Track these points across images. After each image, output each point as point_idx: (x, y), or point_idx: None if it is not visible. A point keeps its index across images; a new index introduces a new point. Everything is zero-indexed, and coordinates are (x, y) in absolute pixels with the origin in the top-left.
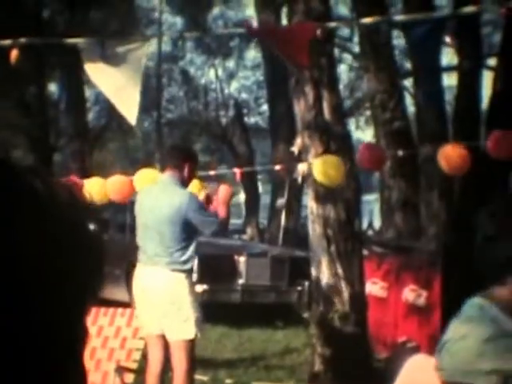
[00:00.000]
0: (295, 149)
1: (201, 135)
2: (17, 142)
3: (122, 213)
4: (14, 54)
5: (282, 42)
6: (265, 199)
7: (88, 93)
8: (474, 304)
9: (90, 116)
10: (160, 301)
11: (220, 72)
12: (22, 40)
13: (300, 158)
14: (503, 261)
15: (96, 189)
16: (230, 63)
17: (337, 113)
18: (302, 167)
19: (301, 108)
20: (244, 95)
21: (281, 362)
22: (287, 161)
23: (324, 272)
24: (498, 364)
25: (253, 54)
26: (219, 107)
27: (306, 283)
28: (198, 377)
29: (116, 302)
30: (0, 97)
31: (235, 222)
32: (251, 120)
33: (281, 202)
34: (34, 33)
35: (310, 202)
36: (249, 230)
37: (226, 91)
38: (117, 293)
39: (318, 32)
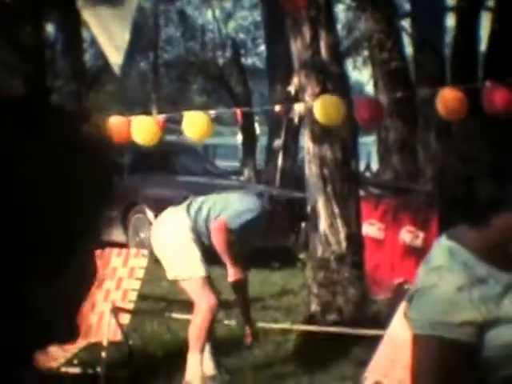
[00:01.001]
0: (292, 88)
1: (197, 76)
2: (12, 83)
3: (119, 153)
4: None
5: None
6: (262, 141)
7: (85, 34)
8: (443, 248)
9: (87, 57)
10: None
11: (217, 12)
12: None
13: (297, 97)
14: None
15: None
16: (228, 3)
17: (334, 52)
18: (298, 107)
19: (297, 47)
20: (241, 35)
21: (277, 303)
22: (284, 101)
23: (320, 212)
24: (473, 314)
25: None
26: (216, 47)
27: (303, 224)
28: None
29: (112, 242)
30: None
31: (232, 164)
32: (248, 61)
33: (278, 143)
34: None
35: (306, 142)
36: (246, 172)
37: (224, 31)
38: (113, 233)
39: None
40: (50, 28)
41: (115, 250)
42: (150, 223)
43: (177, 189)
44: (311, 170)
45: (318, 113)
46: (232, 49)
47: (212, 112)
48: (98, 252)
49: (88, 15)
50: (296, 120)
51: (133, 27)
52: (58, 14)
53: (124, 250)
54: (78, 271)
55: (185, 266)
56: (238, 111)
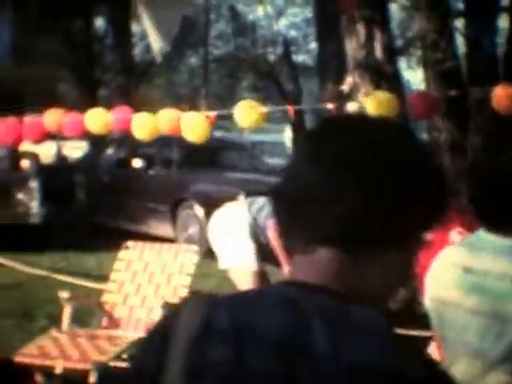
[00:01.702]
0: (345, 87)
1: (248, 72)
2: (62, 76)
3: (168, 148)
4: None
5: None
6: None
7: (134, 28)
8: None
9: (136, 51)
10: None
11: (269, 8)
12: None
13: (350, 96)
14: None
15: (145, 123)
16: (279, 0)
17: (388, 52)
18: (351, 106)
19: (352, 46)
20: (292, 32)
21: None
22: (335, 100)
23: None
24: None
25: None
26: (267, 44)
27: None
28: None
29: (160, 237)
30: (46, 31)
31: (279, 161)
32: (299, 58)
33: None
34: None
35: None
36: None
37: (275, 28)
38: (161, 228)
39: None
40: (99, 22)
41: (165, 246)
42: (199, 219)
43: (225, 185)
44: None
45: (371, 109)
46: (283, 46)
47: (264, 109)
48: (146, 244)
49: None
50: None
51: (184, 21)
52: (107, 9)
53: (174, 246)
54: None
55: (239, 257)
56: (291, 108)
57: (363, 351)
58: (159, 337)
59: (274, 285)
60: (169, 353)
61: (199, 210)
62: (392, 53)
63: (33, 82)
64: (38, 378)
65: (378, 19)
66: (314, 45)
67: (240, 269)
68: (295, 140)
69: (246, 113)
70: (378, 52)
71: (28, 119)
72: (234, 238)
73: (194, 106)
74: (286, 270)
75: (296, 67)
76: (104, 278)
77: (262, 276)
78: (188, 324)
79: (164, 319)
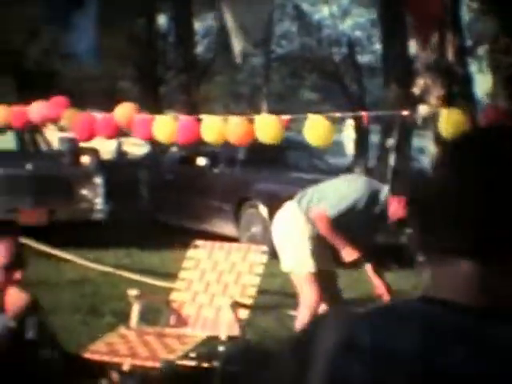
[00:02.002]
0: (416, 90)
1: (312, 72)
2: (125, 73)
3: (232, 146)
4: None
5: None
6: (373, 139)
7: (197, 26)
8: None
9: (199, 49)
10: None
11: (334, 8)
12: None
13: (421, 99)
14: None
15: (213, 129)
16: (345, 0)
17: (459, 55)
18: (423, 109)
19: (423, 49)
20: (357, 33)
21: None
22: (401, 100)
23: None
24: None
25: None
26: (332, 44)
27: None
28: None
29: (223, 236)
30: (110, 28)
31: (340, 160)
32: (363, 58)
33: (390, 142)
34: None
35: (430, 144)
36: (357, 169)
37: (340, 28)
38: (224, 227)
39: None
40: (162, 19)
41: (235, 245)
42: (263, 219)
43: (289, 185)
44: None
45: (442, 126)
46: (348, 46)
47: (337, 115)
48: (215, 244)
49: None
50: (420, 121)
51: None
52: (170, 6)
53: (244, 246)
54: None
55: (295, 259)
56: (365, 115)
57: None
58: (298, 350)
59: (412, 301)
60: (308, 367)
61: (263, 210)
62: (464, 56)
63: (94, 79)
64: (114, 375)
65: (449, 22)
66: (378, 45)
67: (297, 270)
68: (356, 140)
69: (317, 131)
70: (450, 55)
71: (100, 115)
72: (290, 240)
73: (254, 105)
74: (344, 253)
75: (360, 67)
76: (168, 276)
77: (324, 276)
78: (328, 340)
79: (303, 333)
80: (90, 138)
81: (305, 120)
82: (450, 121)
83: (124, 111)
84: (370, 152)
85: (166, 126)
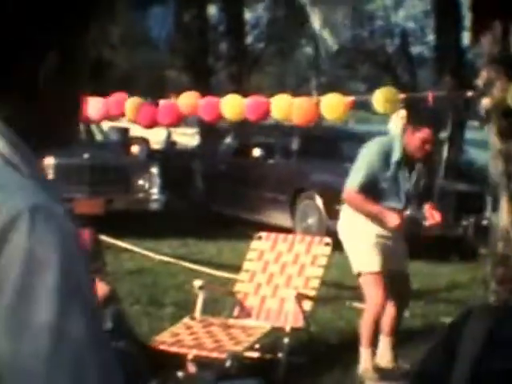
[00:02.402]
0: (480, 82)
1: (364, 63)
2: (174, 63)
3: (288, 137)
4: None
5: None
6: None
7: (247, 16)
8: None
9: (249, 39)
10: None
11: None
12: None
13: (484, 92)
14: None
15: (282, 108)
16: None
17: None
18: (486, 101)
19: (487, 42)
20: (410, 24)
21: (448, 296)
22: (453, 92)
23: (503, 208)
24: None
25: None
26: (385, 35)
27: (471, 219)
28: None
29: (278, 227)
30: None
31: None
32: (416, 49)
33: (443, 134)
34: None
35: (492, 138)
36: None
37: (393, 19)
38: (279, 218)
39: None
40: (213, 10)
41: (298, 237)
42: (319, 210)
43: (344, 176)
44: (496, 166)
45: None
46: (401, 37)
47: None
48: (279, 235)
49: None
50: (483, 113)
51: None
52: None
53: (307, 237)
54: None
55: (358, 260)
56: (431, 94)
57: None
58: (444, 344)
59: None
60: (454, 361)
61: (319, 201)
62: None
63: (143, 67)
64: (191, 367)
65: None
66: (431, 36)
67: (361, 270)
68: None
69: (386, 99)
70: None
71: (163, 102)
72: (352, 239)
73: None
74: (390, 218)
75: (413, 58)
76: (224, 267)
77: (393, 276)
78: (473, 335)
79: (449, 329)
80: (153, 125)
81: (367, 102)
82: None
83: (189, 98)
84: None
85: (235, 103)
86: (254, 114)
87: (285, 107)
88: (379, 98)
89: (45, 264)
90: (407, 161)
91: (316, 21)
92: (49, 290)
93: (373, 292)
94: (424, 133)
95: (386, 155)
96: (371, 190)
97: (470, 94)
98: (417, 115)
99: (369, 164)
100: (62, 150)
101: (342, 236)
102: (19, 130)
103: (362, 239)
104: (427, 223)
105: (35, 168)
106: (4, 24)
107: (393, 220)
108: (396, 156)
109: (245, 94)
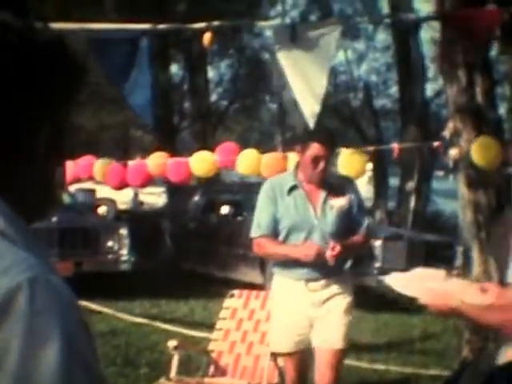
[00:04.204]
0: (446, 133)
1: (330, 117)
2: (141, 123)
3: (255, 194)
4: (208, 36)
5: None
6: (392, 182)
7: (211, 74)
8: None
9: (213, 97)
10: None
11: (350, 54)
12: (216, 23)
13: (451, 142)
14: None
15: (248, 162)
16: (360, 45)
17: (489, 98)
18: (453, 152)
19: (453, 92)
20: (373, 77)
21: (421, 347)
22: (418, 143)
23: (474, 258)
24: None
25: (382, 36)
26: (349, 89)
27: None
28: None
29: (250, 284)
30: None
31: None
32: (379, 102)
33: (410, 185)
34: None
35: (461, 188)
36: (377, 213)
37: (356, 73)
38: (251, 275)
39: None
40: (175, 69)
41: (254, 292)
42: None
43: None
44: (465, 216)
45: (475, 155)
46: (364, 91)
47: (367, 151)
48: (251, 293)
49: (285, 62)
50: (451, 164)
51: (260, 65)
52: (184, 56)
53: (262, 293)
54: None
55: (273, 338)
56: (396, 146)
57: None
58: None
59: None
60: None
61: None
62: (494, 98)
63: (107, 127)
64: None
65: (479, 64)
66: (394, 89)
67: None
68: (376, 183)
69: (351, 162)
70: (480, 97)
71: (131, 163)
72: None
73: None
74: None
75: (377, 111)
76: (197, 326)
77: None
78: None
79: (447, 381)
80: (122, 186)
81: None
82: (482, 147)
83: (157, 159)
84: (388, 195)
85: (205, 160)
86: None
87: (252, 162)
88: (345, 162)
89: (47, 336)
90: (308, 187)
91: (279, 77)
92: (52, 362)
93: (288, 376)
94: (314, 149)
95: (278, 187)
96: (275, 230)
97: (436, 144)
98: (305, 130)
99: (260, 206)
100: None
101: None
102: (12, 198)
103: (282, 312)
104: (327, 255)
105: (29, 238)
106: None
107: (306, 251)
108: (288, 184)
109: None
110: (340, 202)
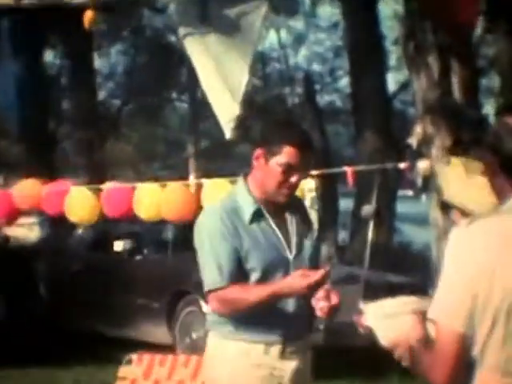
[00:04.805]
0: (413, 141)
1: (257, 120)
2: (5, 129)
3: (160, 224)
4: (90, 14)
5: None
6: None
7: (98, 63)
8: None
9: (102, 95)
10: None
11: (284, 35)
12: None
13: (420, 152)
14: None
15: (149, 200)
16: (298, 23)
17: (471, 91)
18: (423, 165)
19: (422, 85)
20: (316, 66)
21: None
22: (378, 153)
23: None
24: None
25: (327, 11)
26: (283, 83)
27: None
28: None
29: (155, 345)
30: None
31: None
32: (324, 99)
33: (368, 209)
34: None
35: (433, 212)
36: (324, 248)
37: (292, 61)
38: (154, 332)
39: None
40: (50, 56)
41: (181, 357)
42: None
43: None
44: (440, 249)
45: (443, 184)
46: (304, 84)
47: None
48: (155, 357)
49: (194, 48)
50: (419, 182)
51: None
52: (63, 39)
53: (193, 358)
54: None
55: None
56: (351, 171)
57: None
58: None
59: None
60: None
61: (206, 308)
62: (477, 91)
63: None
64: None
65: (456, 47)
66: (344, 81)
67: None
68: (322, 209)
69: None
70: (457, 91)
71: None
72: None
73: (176, 167)
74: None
75: (321, 111)
76: None
77: None
78: None
79: None
80: None
81: None
82: (453, 177)
83: (26, 189)
84: (339, 224)
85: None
86: (113, 210)
87: (152, 202)
88: None
89: None
90: (272, 210)
91: (191, 67)
92: None
93: None
94: (286, 155)
95: (233, 214)
96: (242, 273)
97: (401, 165)
98: (266, 127)
99: (214, 243)
100: None
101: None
102: None
103: None
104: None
105: None
106: None
107: (298, 281)
108: (247, 209)
109: (97, 169)
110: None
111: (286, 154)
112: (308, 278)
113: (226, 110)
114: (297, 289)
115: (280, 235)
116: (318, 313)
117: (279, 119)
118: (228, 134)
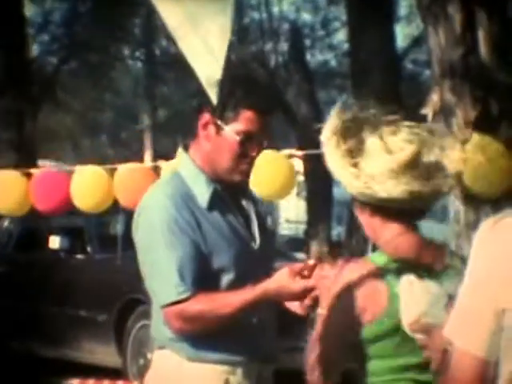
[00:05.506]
0: (428, 111)
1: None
2: None
3: (106, 217)
4: None
5: None
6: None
7: (30, 10)
8: None
9: (35, 51)
10: None
11: None
12: None
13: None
14: None
15: (92, 186)
16: None
17: (501, 50)
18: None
19: (439, 41)
20: (305, 16)
21: None
22: None
23: None
24: None
25: None
26: (264, 37)
27: None
28: None
29: (101, 367)
30: None
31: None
32: (316, 58)
33: None
34: None
35: (454, 204)
36: (313, 246)
37: (276, 9)
38: (99, 352)
39: None
40: None
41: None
42: None
43: None
44: (460, 248)
45: (467, 174)
46: (291, 38)
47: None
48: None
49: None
50: None
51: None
52: None
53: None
54: None
55: None
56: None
57: None
58: None
59: None
60: None
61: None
62: (509, 50)
63: None
64: None
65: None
66: (340, 35)
67: None
68: (311, 199)
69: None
70: (484, 50)
71: None
72: None
73: (128, 142)
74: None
75: (312, 74)
76: None
77: None
78: None
79: None
80: None
81: None
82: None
83: None
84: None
85: (16, 183)
86: (44, 200)
87: (96, 189)
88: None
89: None
90: (228, 191)
91: (150, 13)
92: None
93: None
94: (244, 121)
95: (189, 200)
96: (207, 277)
97: None
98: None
99: (169, 240)
100: None
101: None
102: None
103: None
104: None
105: None
106: None
107: (287, 283)
108: (204, 192)
109: (26, 145)
110: None
111: (245, 120)
112: (302, 281)
113: (210, 72)
114: (287, 294)
115: (243, 222)
116: (298, 310)
117: (235, 74)
118: (212, 97)
